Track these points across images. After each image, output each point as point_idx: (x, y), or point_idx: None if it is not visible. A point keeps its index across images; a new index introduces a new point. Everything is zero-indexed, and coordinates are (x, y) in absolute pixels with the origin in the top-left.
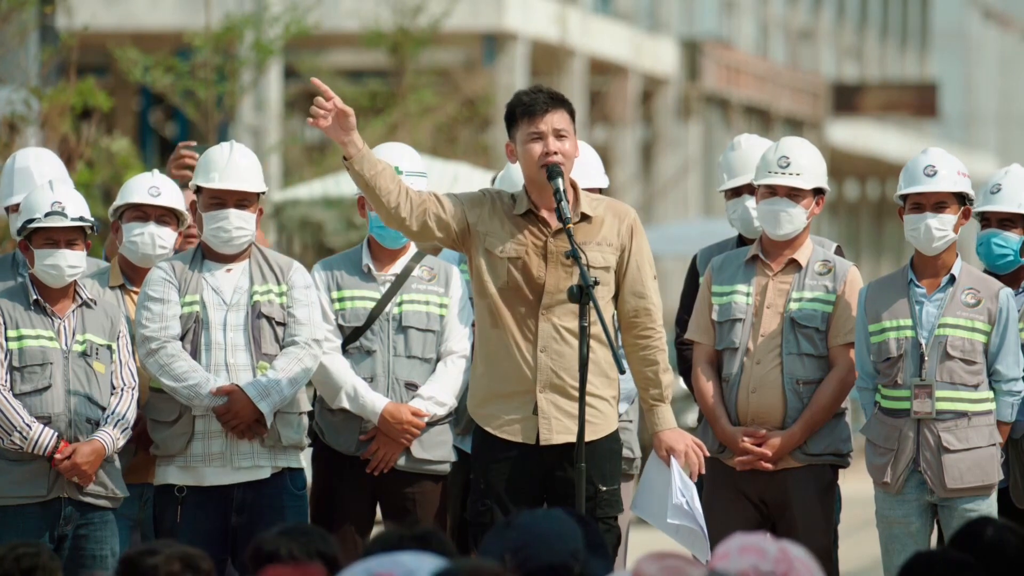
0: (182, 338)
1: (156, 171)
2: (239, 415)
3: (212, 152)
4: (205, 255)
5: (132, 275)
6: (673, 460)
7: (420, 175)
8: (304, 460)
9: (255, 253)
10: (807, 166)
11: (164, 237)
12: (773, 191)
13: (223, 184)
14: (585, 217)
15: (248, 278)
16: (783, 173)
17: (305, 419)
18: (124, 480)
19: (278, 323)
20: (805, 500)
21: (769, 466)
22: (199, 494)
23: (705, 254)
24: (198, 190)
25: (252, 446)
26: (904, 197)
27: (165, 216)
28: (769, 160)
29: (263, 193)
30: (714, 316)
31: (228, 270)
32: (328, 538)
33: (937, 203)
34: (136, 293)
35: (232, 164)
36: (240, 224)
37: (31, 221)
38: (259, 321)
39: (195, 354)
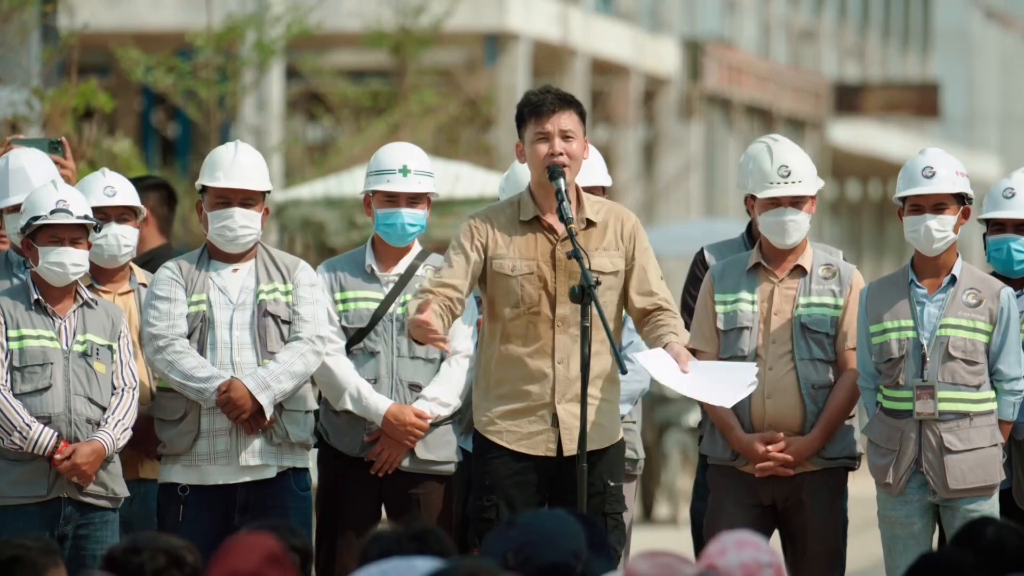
0: (188, 337)
1: (106, 169)
2: (238, 404)
3: (217, 151)
4: (211, 255)
5: (99, 276)
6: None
7: (427, 175)
8: (310, 461)
9: (261, 252)
10: (805, 172)
11: (127, 235)
12: (777, 202)
13: (228, 183)
14: (591, 223)
15: (254, 277)
16: (786, 183)
17: (311, 417)
18: None
19: (283, 321)
20: (820, 503)
21: (790, 472)
22: (202, 493)
23: (713, 251)
24: (203, 189)
25: (260, 444)
26: (903, 198)
27: (124, 214)
28: (767, 171)
29: (268, 192)
30: (719, 325)
31: (235, 270)
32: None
33: (936, 204)
34: (106, 292)
35: (237, 163)
36: (245, 223)
37: (36, 219)
38: (265, 320)
39: (201, 353)
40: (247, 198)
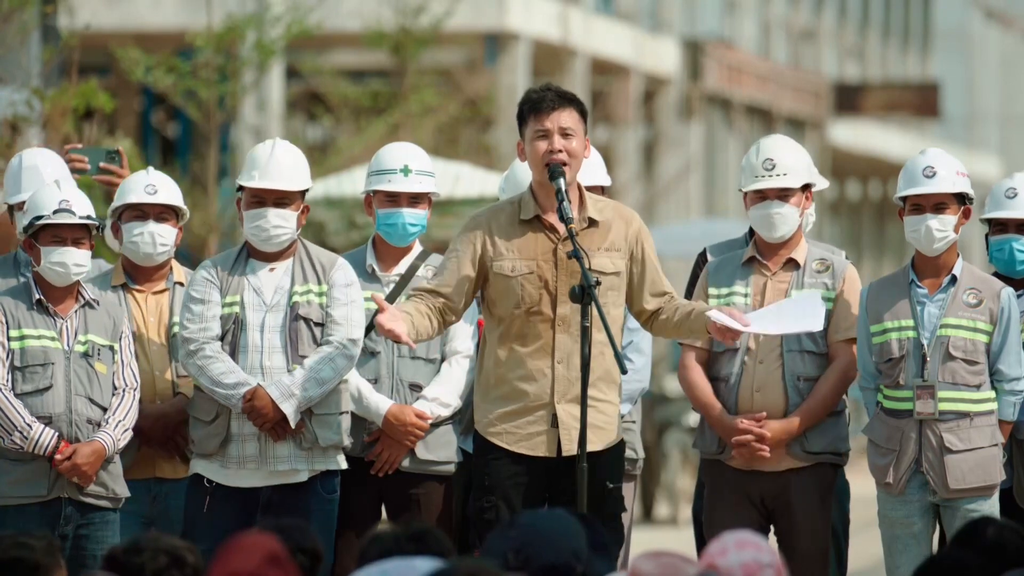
0: (221, 339)
1: (151, 168)
2: (262, 413)
3: (256, 149)
4: (250, 254)
5: (135, 274)
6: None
7: (428, 174)
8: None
9: (300, 251)
10: (792, 165)
11: (164, 235)
12: (763, 195)
13: (262, 183)
14: (593, 223)
15: (290, 278)
16: (770, 176)
17: (346, 419)
18: (129, 476)
19: (316, 324)
20: (807, 502)
21: (766, 452)
22: (228, 489)
23: (715, 252)
24: (240, 188)
25: (289, 448)
26: (904, 198)
27: (164, 213)
28: (754, 165)
29: (306, 191)
30: None
31: (271, 269)
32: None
33: (937, 204)
34: (139, 292)
35: (273, 162)
36: (278, 223)
37: (39, 218)
38: (296, 323)
39: (233, 356)
40: (282, 198)
